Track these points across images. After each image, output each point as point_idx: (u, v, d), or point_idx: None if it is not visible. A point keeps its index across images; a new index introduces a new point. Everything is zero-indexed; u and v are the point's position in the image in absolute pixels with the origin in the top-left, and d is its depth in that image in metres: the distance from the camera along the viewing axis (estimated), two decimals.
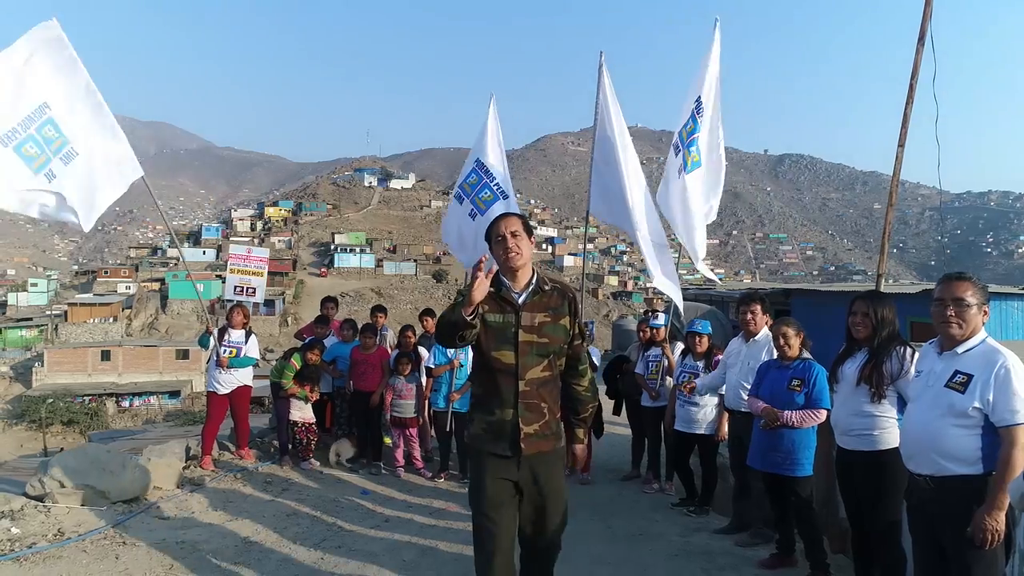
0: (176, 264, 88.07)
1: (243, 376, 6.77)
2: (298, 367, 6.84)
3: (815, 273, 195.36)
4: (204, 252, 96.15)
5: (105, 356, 56.80)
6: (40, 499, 4.93)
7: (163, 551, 4.40)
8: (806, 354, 4.22)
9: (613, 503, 6.08)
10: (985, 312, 2.79)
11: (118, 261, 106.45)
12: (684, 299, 13.67)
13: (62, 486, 5.03)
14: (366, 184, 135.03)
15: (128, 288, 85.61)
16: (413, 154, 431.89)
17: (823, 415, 3.97)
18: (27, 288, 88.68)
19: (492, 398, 2.91)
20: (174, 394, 53.01)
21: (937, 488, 2.75)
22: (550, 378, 2.94)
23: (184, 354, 58.32)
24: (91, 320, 71.36)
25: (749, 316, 4.77)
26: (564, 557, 3.16)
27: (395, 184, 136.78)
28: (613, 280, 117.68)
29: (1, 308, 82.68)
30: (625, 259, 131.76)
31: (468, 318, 2.65)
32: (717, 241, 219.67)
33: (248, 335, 6.81)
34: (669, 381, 6.28)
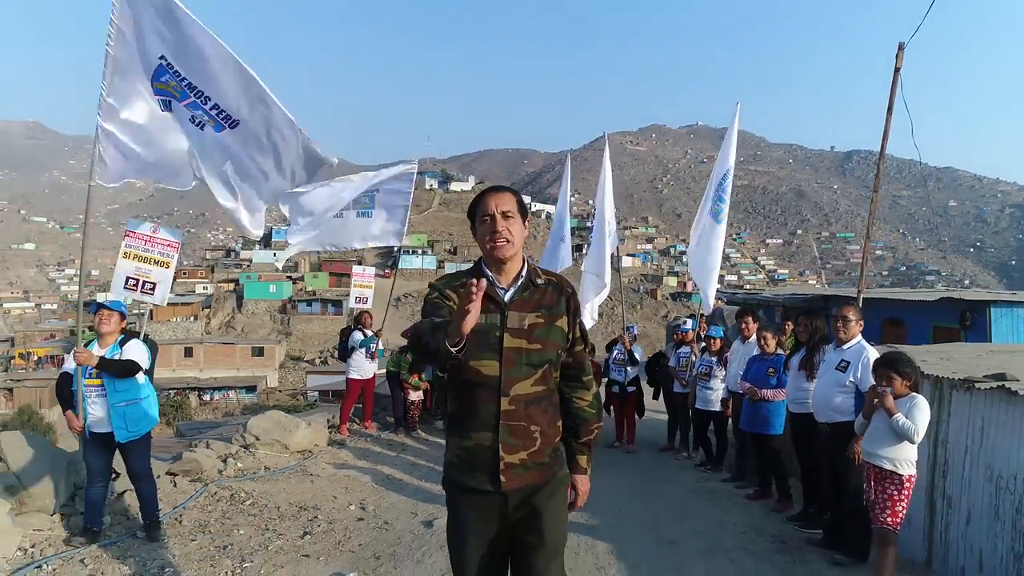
0: (249, 266, 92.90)
1: (374, 366, 8.91)
2: (411, 361, 8.96)
3: (885, 273, 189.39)
4: (275, 254, 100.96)
5: (188, 352, 60.57)
6: (246, 447, 7.15)
7: (335, 481, 6.54)
8: (780, 350, 6.05)
9: (650, 465, 7.99)
10: (859, 323, 4.59)
11: (193, 263, 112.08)
12: (732, 303, 15.30)
13: (258, 439, 7.26)
14: (427, 187, 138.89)
15: (206, 288, 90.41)
16: (471, 155, 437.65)
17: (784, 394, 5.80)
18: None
19: (468, 418, 2.31)
20: (250, 389, 55.95)
21: (831, 430, 4.58)
22: (543, 394, 2.33)
23: (259, 351, 61.76)
24: (174, 319, 76.02)
25: (743, 325, 6.66)
26: (607, 493, 4.34)
27: (455, 187, 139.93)
28: (672, 281, 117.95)
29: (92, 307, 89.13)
30: (684, 259, 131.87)
31: (454, 350, 2.00)
32: (781, 241, 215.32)
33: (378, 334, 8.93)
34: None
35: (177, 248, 5.80)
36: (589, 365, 2.55)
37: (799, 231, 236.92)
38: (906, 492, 3.87)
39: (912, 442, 3.83)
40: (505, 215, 2.33)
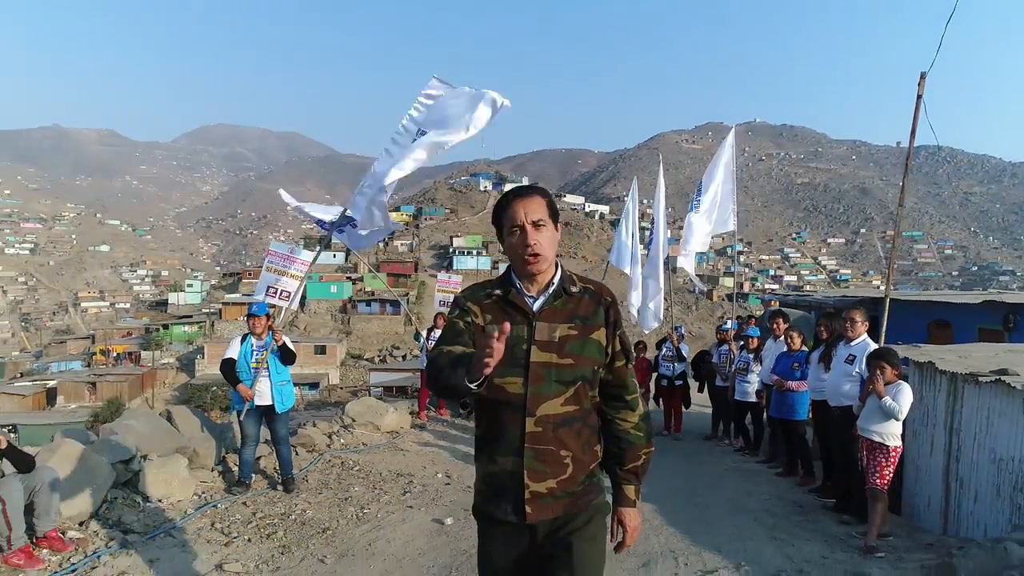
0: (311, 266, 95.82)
1: None
2: None
3: (955, 273, 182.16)
4: (334, 255, 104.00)
5: None
6: (345, 427, 8.43)
7: (422, 455, 7.76)
8: (804, 347, 6.97)
9: (694, 450, 8.97)
10: (865, 324, 5.51)
11: (255, 263, 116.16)
12: (784, 305, 15.95)
13: (354, 420, 8.54)
14: (481, 188, 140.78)
15: None
16: (525, 156, 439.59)
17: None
18: (183, 288, 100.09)
19: (493, 441, 2.14)
20: (313, 385, 58.17)
21: (840, 413, 5.51)
22: (575, 414, 2.11)
23: (321, 349, 63.96)
24: (240, 318, 79.40)
25: (774, 325, 7.60)
26: (652, 471, 5.21)
27: (509, 188, 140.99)
28: (728, 281, 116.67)
29: (163, 306, 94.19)
30: (742, 259, 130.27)
31: (474, 386, 1.85)
32: (843, 240, 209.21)
33: None
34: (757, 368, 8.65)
35: (308, 265, 6.94)
36: (634, 383, 2.24)
37: (862, 230, 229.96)
38: (892, 460, 4.79)
39: (897, 419, 4.75)
40: (536, 225, 2.11)
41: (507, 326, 1.80)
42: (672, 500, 6.08)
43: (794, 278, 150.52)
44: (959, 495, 5.76)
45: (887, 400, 4.72)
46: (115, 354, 68.73)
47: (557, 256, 2.22)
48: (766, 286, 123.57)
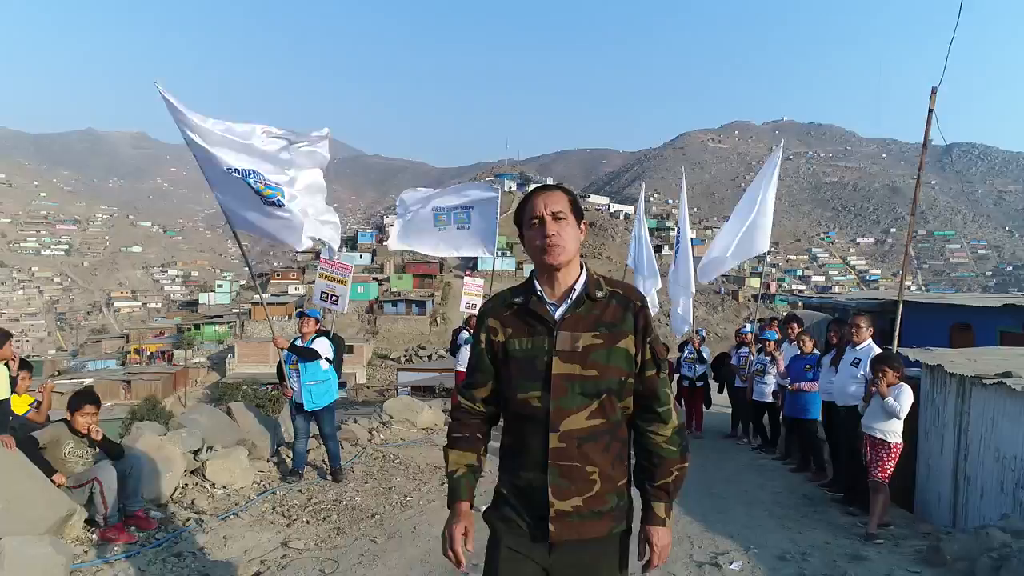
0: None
1: None
2: None
3: (988, 274, 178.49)
4: (360, 256, 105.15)
5: None
6: (384, 423, 9.00)
7: None
8: (815, 350, 7.38)
9: (713, 447, 9.41)
10: (869, 329, 5.93)
11: (284, 264, 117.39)
12: (809, 307, 16.22)
13: (392, 417, 9.11)
14: (506, 189, 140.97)
15: (297, 289, 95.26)
16: (549, 156, 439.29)
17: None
18: (214, 289, 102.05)
19: (517, 454, 2.06)
20: (341, 385, 59.22)
21: (846, 412, 5.93)
22: (602, 428, 1.99)
23: (349, 349, 65.12)
24: (270, 318, 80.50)
25: (789, 330, 8.01)
26: None
27: (532, 188, 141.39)
28: (755, 282, 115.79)
29: (194, 306, 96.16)
30: (768, 259, 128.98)
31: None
32: (873, 240, 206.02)
33: None
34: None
35: (350, 269, 7.71)
36: (667, 393, 2.10)
37: (893, 229, 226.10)
38: (893, 455, 5.21)
39: (898, 418, 5.17)
40: (556, 216, 2.02)
41: (470, 544, 2.07)
42: (690, 492, 6.52)
43: (822, 278, 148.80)
44: (967, 492, 6.11)
45: (889, 400, 5.14)
46: (148, 353, 70.40)
47: (582, 256, 2.13)
48: (793, 287, 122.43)
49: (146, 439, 5.50)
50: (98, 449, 4.84)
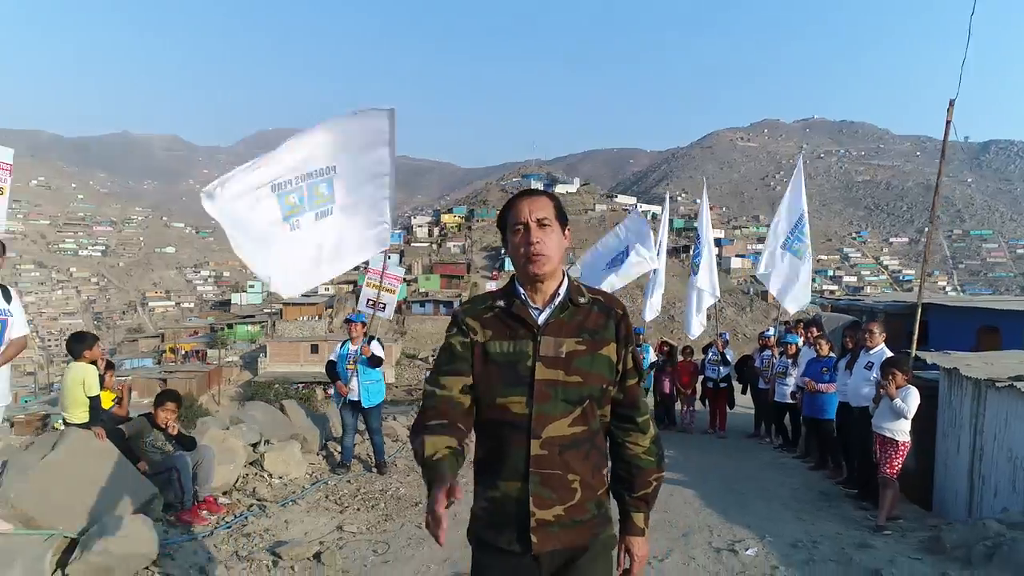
0: (366, 268, 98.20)
1: None
2: None
3: None
4: (389, 257, 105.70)
5: (314, 349, 64.96)
6: None
7: None
8: (832, 353, 7.73)
9: (736, 446, 9.78)
10: (882, 335, 6.28)
11: None
12: (835, 310, 16.37)
13: None
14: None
15: (327, 289, 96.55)
16: (576, 156, 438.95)
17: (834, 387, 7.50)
18: (245, 289, 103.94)
19: (495, 464, 1.99)
20: None
21: (860, 412, 6.29)
22: (583, 436, 1.96)
23: None
24: (301, 318, 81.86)
25: (808, 334, 8.35)
26: (696, 463, 5.93)
27: (560, 188, 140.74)
28: None
29: (227, 306, 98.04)
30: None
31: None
32: (907, 239, 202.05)
33: None
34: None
35: (400, 280, 7.97)
36: (645, 403, 2.13)
37: (927, 228, 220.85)
38: (901, 453, 5.56)
39: (906, 418, 5.52)
40: (541, 223, 1.97)
41: (459, 494, 1.73)
42: (712, 487, 6.94)
43: (854, 279, 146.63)
44: (982, 490, 6.40)
45: (897, 401, 5.49)
46: (183, 352, 71.96)
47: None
48: (824, 287, 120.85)
49: (212, 433, 6.06)
50: (174, 441, 5.40)
